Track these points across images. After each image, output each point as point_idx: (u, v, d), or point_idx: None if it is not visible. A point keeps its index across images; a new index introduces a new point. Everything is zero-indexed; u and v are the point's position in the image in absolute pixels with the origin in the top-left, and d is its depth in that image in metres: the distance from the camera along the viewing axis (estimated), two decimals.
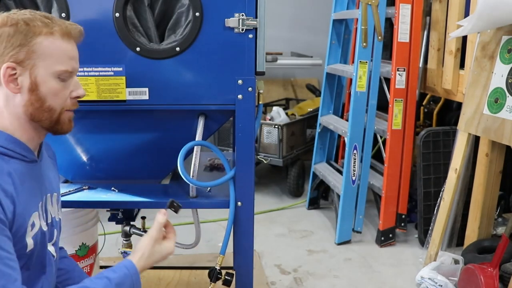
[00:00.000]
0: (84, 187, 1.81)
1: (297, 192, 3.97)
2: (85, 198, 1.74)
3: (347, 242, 3.15)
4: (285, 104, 4.72)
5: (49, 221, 1.27)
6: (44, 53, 1.15)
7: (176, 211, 1.42)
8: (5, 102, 1.16)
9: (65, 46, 1.18)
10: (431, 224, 2.82)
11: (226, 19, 1.58)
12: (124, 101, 1.63)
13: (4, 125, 1.17)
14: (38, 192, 1.21)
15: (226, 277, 1.70)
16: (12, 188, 1.09)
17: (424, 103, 3.74)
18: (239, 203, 1.70)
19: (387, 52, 3.37)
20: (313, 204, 3.74)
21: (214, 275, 1.70)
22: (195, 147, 1.70)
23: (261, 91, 1.79)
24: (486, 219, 2.66)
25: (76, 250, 2.07)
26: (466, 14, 2.79)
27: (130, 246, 1.97)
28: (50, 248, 1.27)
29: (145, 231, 1.88)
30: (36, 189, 1.21)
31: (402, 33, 3.01)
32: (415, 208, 3.25)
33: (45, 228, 1.22)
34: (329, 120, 3.50)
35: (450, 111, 3.71)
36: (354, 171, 3.12)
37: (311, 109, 4.31)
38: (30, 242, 1.15)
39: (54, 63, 1.16)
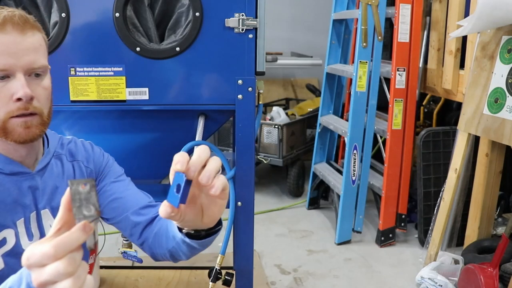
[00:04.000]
0: None
1: (297, 192, 3.96)
2: None
3: (347, 242, 3.15)
4: (285, 104, 4.71)
5: None
6: None
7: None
8: None
9: None
10: (431, 224, 2.82)
11: (226, 19, 1.58)
12: (124, 101, 1.63)
13: None
14: (19, 207, 1.09)
15: (226, 277, 1.70)
16: None
17: (424, 103, 3.74)
18: (239, 203, 1.70)
19: (387, 52, 3.37)
20: (313, 204, 3.74)
21: (214, 275, 1.70)
22: (195, 147, 1.70)
23: (261, 91, 1.79)
24: (486, 219, 2.65)
25: None
26: (466, 14, 2.79)
27: (130, 246, 1.96)
28: None
29: None
30: (16, 204, 1.08)
31: (402, 33, 3.01)
32: (415, 208, 3.24)
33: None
34: (329, 120, 3.50)
35: (450, 111, 3.71)
36: (354, 171, 3.12)
37: (311, 109, 4.31)
38: None
39: None
